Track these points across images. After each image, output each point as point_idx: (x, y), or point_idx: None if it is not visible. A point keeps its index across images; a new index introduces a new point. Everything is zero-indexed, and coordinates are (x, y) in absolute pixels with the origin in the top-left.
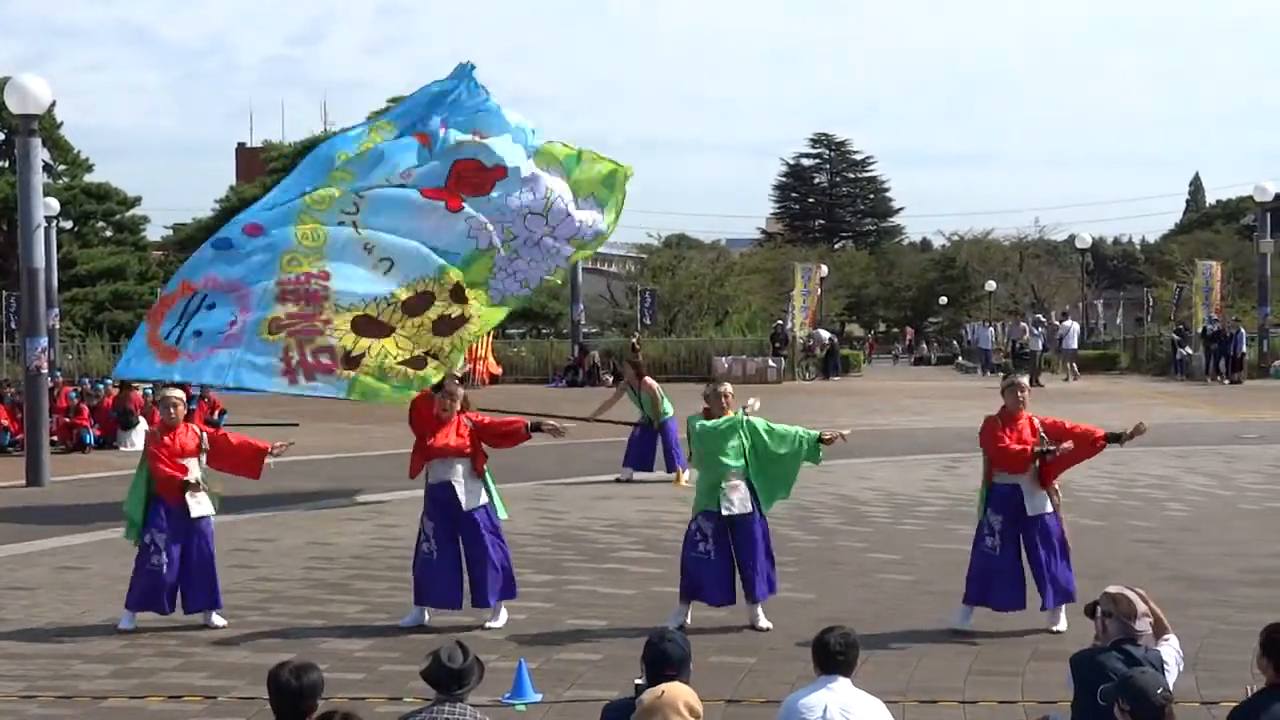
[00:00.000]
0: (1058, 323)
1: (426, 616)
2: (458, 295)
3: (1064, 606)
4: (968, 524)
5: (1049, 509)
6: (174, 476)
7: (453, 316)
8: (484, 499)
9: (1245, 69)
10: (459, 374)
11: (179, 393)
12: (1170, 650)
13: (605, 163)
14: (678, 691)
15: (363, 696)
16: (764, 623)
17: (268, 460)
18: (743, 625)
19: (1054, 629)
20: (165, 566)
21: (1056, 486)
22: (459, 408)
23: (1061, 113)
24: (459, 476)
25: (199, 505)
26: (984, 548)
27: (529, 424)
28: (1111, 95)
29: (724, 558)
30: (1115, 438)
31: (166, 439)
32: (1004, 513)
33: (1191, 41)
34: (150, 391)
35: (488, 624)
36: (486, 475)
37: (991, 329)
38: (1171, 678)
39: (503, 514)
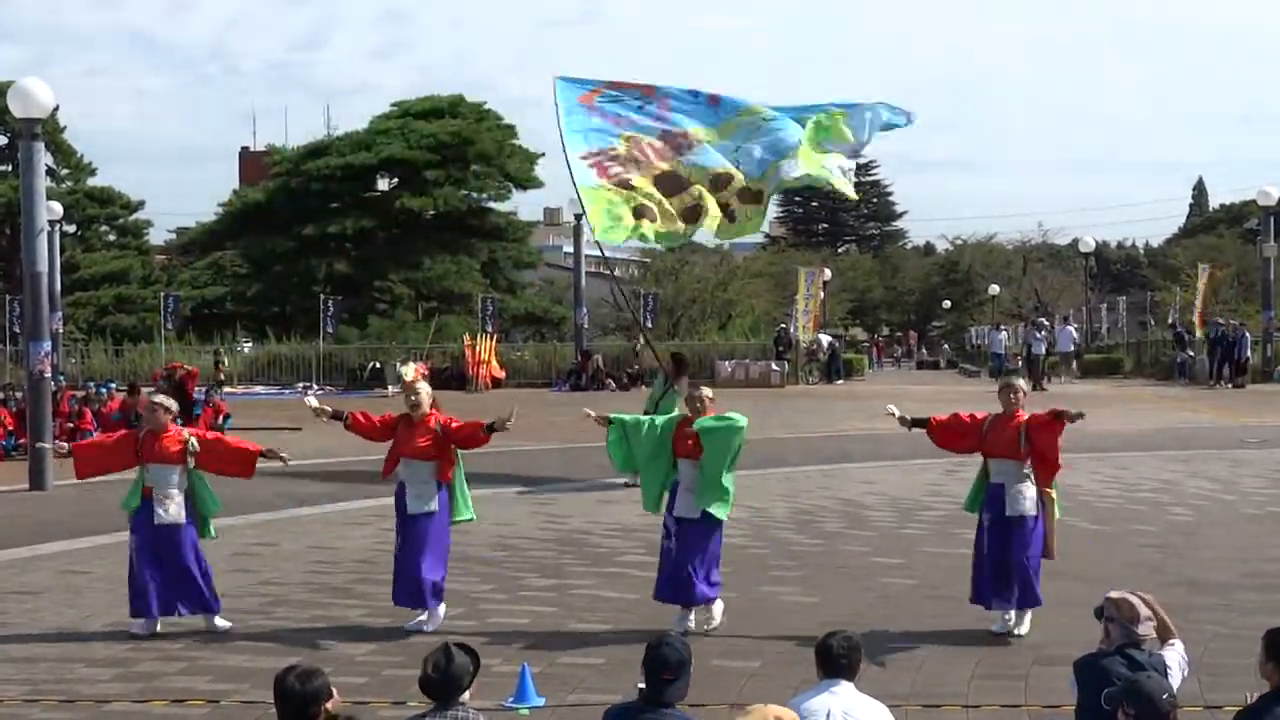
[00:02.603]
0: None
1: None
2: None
3: (1028, 612)
4: (970, 528)
5: (1031, 511)
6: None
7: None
8: (432, 505)
9: (1248, 73)
10: (424, 371)
11: (165, 399)
12: (1175, 655)
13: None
14: (774, 708)
15: (366, 700)
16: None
17: (282, 458)
18: (744, 629)
19: (1016, 632)
20: (141, 570)
21: (1054, 495)
22: (427, 408)
23: (1064, 117)
24: (412, 479)
25: (166, 513)
26: (979, 546)
27: (486, 425)
28: (1114, 99)
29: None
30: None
31: (152, 443)
32: (993, 511)
33: (1194, 45)
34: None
35: (424, 626)
36: (455, 480)
37: (1004, 333)
38: (1175, 682)
39: (465, 516)
